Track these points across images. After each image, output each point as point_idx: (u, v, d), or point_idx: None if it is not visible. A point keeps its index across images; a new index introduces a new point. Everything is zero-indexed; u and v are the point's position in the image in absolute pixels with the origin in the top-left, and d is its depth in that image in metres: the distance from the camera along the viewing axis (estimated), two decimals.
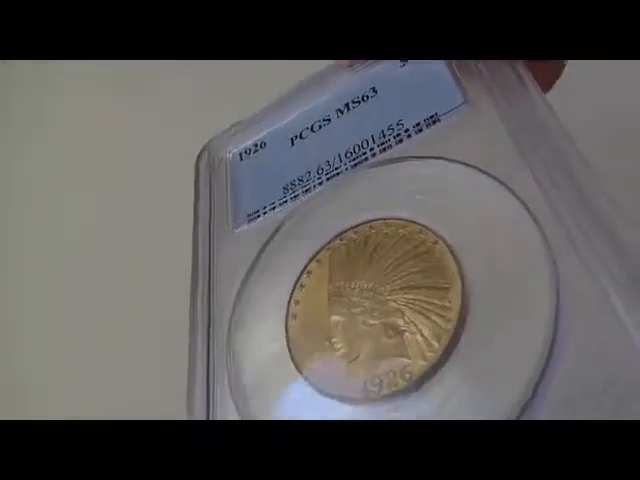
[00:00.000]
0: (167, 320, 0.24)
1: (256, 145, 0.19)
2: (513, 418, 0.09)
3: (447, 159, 0.13)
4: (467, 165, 0.13)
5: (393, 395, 0.11)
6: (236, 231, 0.17)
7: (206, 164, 0.19)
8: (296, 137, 0.18)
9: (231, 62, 0.19)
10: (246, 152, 0.19)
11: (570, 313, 0.10)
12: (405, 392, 0.11)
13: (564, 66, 0.17)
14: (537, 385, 0.10)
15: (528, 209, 0.12)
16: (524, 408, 0.09)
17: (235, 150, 0.19)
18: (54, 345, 0.28)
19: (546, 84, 0.17)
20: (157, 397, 0.22)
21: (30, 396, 0.26)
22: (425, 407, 0.11)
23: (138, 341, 0.25)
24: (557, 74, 0.17)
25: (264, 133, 0.19)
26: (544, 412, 0.09)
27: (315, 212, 0.15)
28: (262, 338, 0.14)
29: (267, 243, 0.15)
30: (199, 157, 0.20)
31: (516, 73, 0.14)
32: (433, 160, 0.14)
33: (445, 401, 0.11)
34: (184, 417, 0.13)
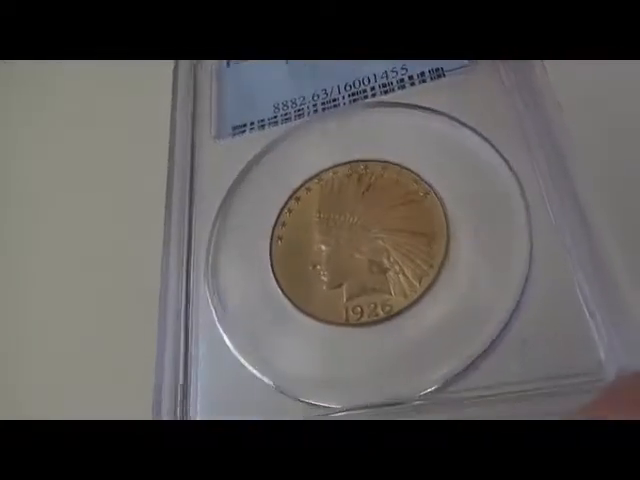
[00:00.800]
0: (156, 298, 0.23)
1: None
2: (477, 354, 0.11)
3: (449, 116, 0.14)
4: (465, 125, 0.14)
5: (372, 323, 0.12)
6: (218, 142, 0.16)
7: (187, 62, 0.18)
8: None
9: None
10: None
11: (539, 268, 0.12)
12: (383, 322, 0.12)
13: None
14: (503, 328, 0.11)
15: (512, 169, 0.13)
16: (490, 345, 0.11)
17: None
18: (54, 345, 0.26)
19: None
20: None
21: (30, 396, 0.25)
22: (399, 337, 0.12)
23: (138, 341, 0.24)
24: None
25: None
26: (503, 350, 0.11)
27: (308, 140, 0.15)
28: (245, 255, 0.14)
29: (255, 161, 0.15)
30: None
31: None
32: (436, 115, 0.14)
33: (418, 334, 0.12)
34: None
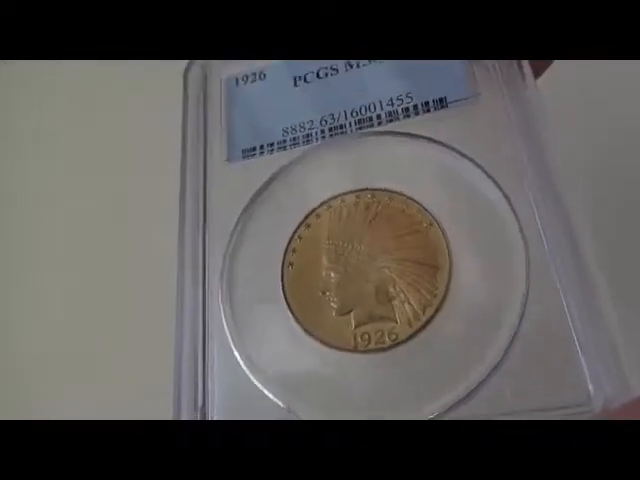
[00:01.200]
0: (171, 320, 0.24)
1: (254, 74, 0.19)
2: (475, 384, 0.12)
3: (451, 147, 0.15)
4: (465, 157, 0.15)
5: (379, 350, 0.13)
6: (229, 164, 0.17)
7: (197, 80, 0.19)
8: (299, 78, 0.18)
9: None
10: (243, 79, 0.19)
11: (535, 302, 0.13)
12: (390, 349, 0.13)
13: None
14: (500, 360, 0.12)
15: (511, 204, 0.14)
16: (488, 375, 0.12)
17: (230, 73, 0.19)
18: (54, 345, 0.26)
19: (539, 71, 0.18)
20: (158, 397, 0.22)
21: (30, 396, 0.25)
22: (404, 364, 0.13)
23: (139, 340, 0.25)
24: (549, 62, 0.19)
25: (263, 63, 0.18)
26: (499, 380, 0.12)
27: (317, 167, 0.16)
28: (258, 280, 0.15)
29: (265, 187, 0.16)
30: (187, 70, 0.19)
31: (519, 65, 0.16)
32: (439, 146, 0.15)
33: (421, 363, 0.13)
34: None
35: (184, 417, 0.13)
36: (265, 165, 0.17)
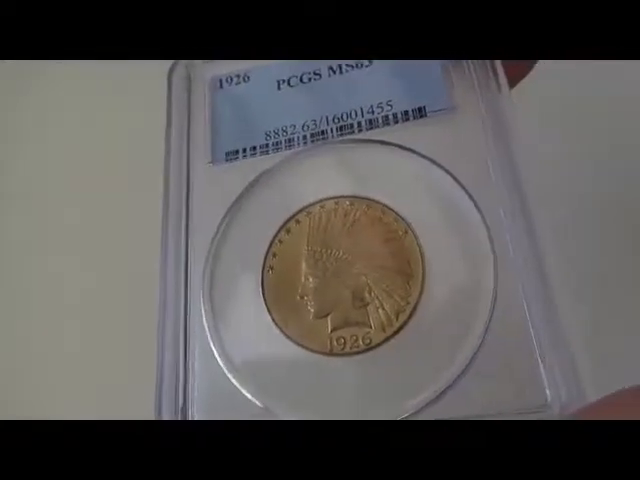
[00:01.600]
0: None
1: (238, 76, 0.19)
2: (444, 387, 0.13)
3: (428, 158, 0.15)
4: (441, 167, 0.15)
5: (354, 354, 0.14)
6: (213, 167, 0.17)
7: (181, 81, 0.19)
8: (283, 82, 0.18)
9: None
10: (227, 80, 0.19)
11: (501, 312, 0.13)
12: (363, 353, 0.14)
13: (532, 67, 0.19)
14: (468, 364, 0.13)
15: (482, 216, 0.15)
16: (456, 380, 0.13)
17: (214, 74, 0.19)
18: (54, 345, 0.26)
19: (514, 81, 0.19)
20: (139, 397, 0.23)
21: (30, 396, 0.25)
22: (376, 368, 0.14)
23: (121, 340, 0.25)
24: (525, 73, 0.19)
25: (248, 65, 0.19)
26: (467, 384, 0.13)
27: (298, 173, 0.16)
28: (239, 283, 0.15)
29: (247, 191, 0.16)
30: (172, 70, 0.19)
31: (494, 75, 0.16)
32: (418, 156, 0.15)
33: (393, 366, 0.14)
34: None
35: (165, 417, 0.14)
36: (248, 168, 0.17)
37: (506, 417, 0.12)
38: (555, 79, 0.18)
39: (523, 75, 0.19)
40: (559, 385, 0.12)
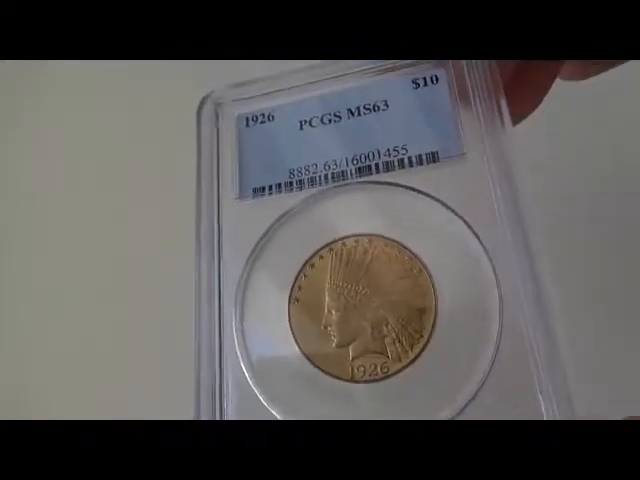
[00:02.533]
0: (169, 320, 0.26)
1: (263, 115, 0.20)
2: (453, 415, 0.14)
3: (443, 203, 0.17)
4: (453, 211, 0.17)
5: (372, 381, 0.15)
6: (240, 202, 0.19)
7: (209, 117, 0.20)
8: (305, 122, 0.20)
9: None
10: (253, 119, 0.20)
11: (506, 348, 0.15)
12: (381, 381, 0.15)
13: (539, 103, 0.21)
14: (473, 397, 0.15)
15: (488, 253, 0.16)
16: (463, 409, 0.14)
17: (241, 112, 0.20)
18: (55, 344, 0.28)
19: (519, 118, 0.20)
20: (157, 397, 0.24)
21: (30, 396, 0.26)
22: (393, 395, 0.15)
23: (140, 340, 0.27)
24: (529, 111, 0.21)
25: (273, 104, 0.20)
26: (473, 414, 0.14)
27: (321, 211, 0.18)
28: (268, 315, 0.17)
29: (273, 226, 0.18)
30: (201, 107, 0.20)
31: (499, 114, 0.18)
32: (430, 199, 0.17)
33: (408, 394, 0.15)
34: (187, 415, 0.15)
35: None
36: (274, 205, 0.18)
37: None
38: (552, 114, 0.19)
39: (527, 113, 0.21)
40: (554, 407, 0.14)
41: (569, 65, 0.20)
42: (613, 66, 0.20)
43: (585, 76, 0.21)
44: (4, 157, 0.33)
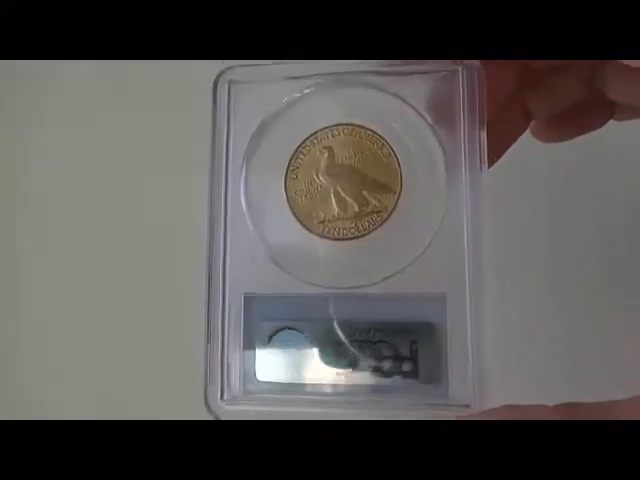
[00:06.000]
0: (168, 320, 0.30)
1: None
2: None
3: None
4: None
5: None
6: None
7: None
8: None
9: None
10: None
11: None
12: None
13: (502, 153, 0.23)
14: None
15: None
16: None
17: None
18: (55, 344, 0.30)
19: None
20: (158, 397, 0.28)
21: (30, 396, 0.29)
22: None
23: (141, 340, 0.30)
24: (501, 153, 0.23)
25: None
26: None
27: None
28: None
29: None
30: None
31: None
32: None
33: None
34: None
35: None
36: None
37: None
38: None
39: (500, 155, 0.23)
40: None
41: (539, 126, 0.23)
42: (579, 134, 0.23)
43: (550, 141, 0.23)
44: (7, 156, 0.34)
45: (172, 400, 0.27)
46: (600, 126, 0.23)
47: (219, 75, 0.21)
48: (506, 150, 0.23)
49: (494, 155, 0.22)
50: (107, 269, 0.30)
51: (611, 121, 0.23)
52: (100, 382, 0.30)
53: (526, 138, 0.23)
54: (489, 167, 0.19)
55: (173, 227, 0.30)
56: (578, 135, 0.24)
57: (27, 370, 0.30)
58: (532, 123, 0.23)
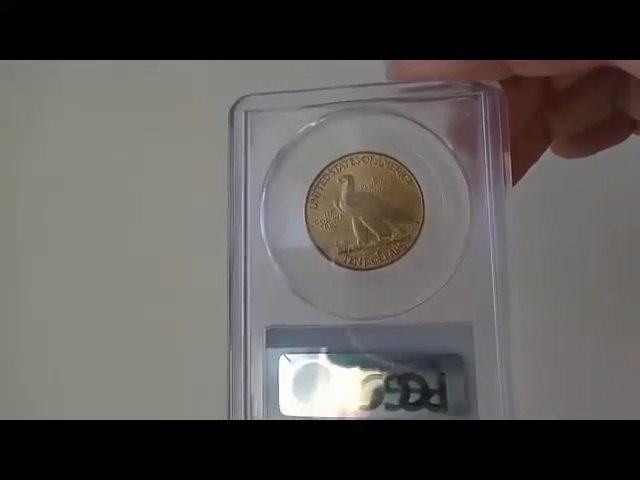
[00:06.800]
0: (167, 320, 0.30)
1: None
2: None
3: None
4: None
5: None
6: None
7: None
8: None
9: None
10: None
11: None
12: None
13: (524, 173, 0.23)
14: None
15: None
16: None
17: None
18: (55, 344, 0.30)
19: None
20: (158, 397, 0.28)
21: (30, 396, 0.29)
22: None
23: (142, 340, 0.30)
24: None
25: None
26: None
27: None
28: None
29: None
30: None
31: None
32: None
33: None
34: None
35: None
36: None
37: None
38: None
39: (520, 176, 0.22)
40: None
41: (560, 144, 0.23)
42: (600, 149, 0.22)
43: (570, 157, 0.23)
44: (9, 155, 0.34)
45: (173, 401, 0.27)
46: (621, 141, 0.23)
47: (235, 104, 0.21)
48: (527, 171, 0.23)
49: (515, 177, 0.21)
50: (107, 269, 0.30)
51: (632, 135, 0.23)
52: (100, 382, 0.29)
53: (547, 155, 0.23)
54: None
55: (189, 259, 0.30)
56: (599, 151, 0.24)
57: (27, 370, 0.30)
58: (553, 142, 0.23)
